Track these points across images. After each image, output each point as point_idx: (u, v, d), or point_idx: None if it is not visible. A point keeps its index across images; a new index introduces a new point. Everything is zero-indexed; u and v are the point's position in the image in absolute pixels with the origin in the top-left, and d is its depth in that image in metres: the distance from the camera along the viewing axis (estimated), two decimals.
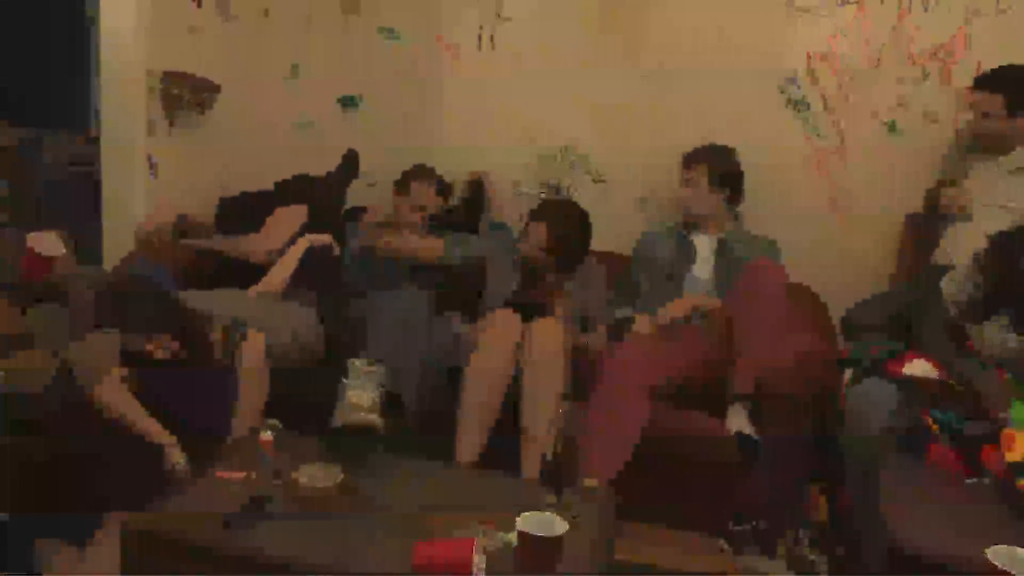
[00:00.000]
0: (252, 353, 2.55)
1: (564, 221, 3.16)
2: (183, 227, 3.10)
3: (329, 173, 3.44)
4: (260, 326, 2.62)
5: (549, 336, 2.77)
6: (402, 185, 3.39)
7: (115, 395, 2.34)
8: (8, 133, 4.21)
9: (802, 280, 3.12)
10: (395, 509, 2.00)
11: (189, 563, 1.88)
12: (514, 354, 2.75)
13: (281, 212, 3.16)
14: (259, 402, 2.54)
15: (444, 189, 3.44)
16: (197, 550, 1.88)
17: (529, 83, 3.57)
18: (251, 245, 3.08)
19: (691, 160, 3.15)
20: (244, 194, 3.33)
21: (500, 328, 2.79)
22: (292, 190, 3.28)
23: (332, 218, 3.31)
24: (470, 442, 2.68)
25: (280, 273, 2.95)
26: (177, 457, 2.34)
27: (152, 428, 2.35)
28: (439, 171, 3.42)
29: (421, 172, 3.39)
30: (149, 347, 2.41)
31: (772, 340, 2.71)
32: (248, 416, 2.48)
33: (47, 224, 3.05)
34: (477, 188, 3.57)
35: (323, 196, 3.32)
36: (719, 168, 3.13)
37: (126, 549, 1.91)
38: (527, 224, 3.20)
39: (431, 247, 3.29)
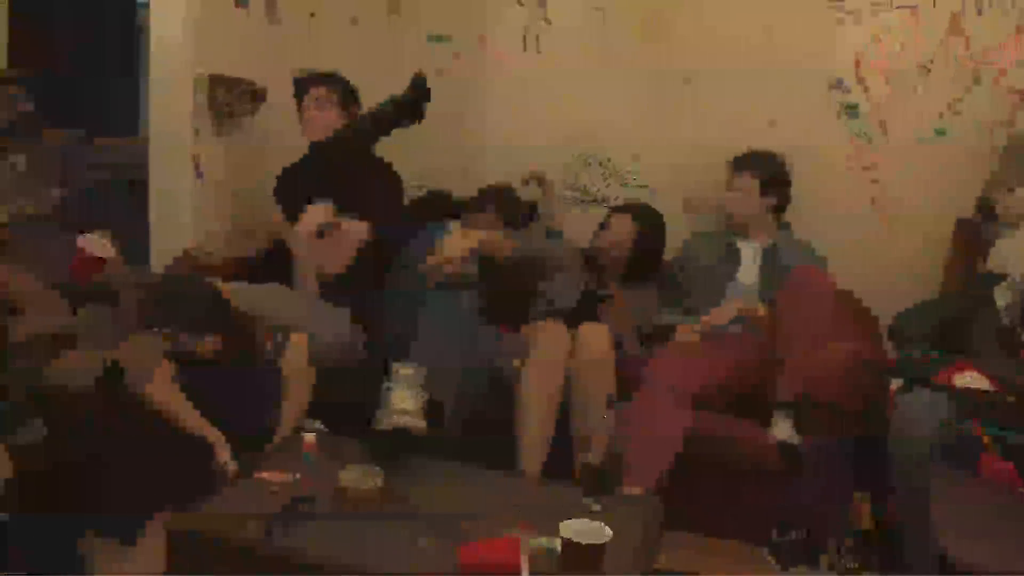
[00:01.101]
0: (296, 354, 2.56)
1: (650, 219, 3.19)
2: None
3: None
4: (303, 325, 2.63)
5: (598, 340, 2.76)
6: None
7: (166, 393, 2.36)
8: (57, 135, 4.28)
9: (848, 286, 3.08)
10: (436, 513, 2.00)
11: (232, 563, 1.90)
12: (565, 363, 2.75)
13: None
14: (303, 403, 2.55)
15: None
16: (240, 550, 1.89)
17: (573, 86, 3.57)
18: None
19: (739, 166, 3.13)
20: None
21: (552, 339, 2.77)
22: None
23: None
24: (534, 454, 2.68)
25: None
26: (225, 455, 2.35)
27: (202, 426, 2.37)
28: (481, 174, 3.41)
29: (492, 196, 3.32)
30: (198, 347, 2.43)
31: (817, 347, 2.68)
32: (292, 417, 2.49)
33: (95, 226, 3.10)
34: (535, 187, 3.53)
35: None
36: (767, 174, 3.10)
37: (172, 548, 1.94)
38: (608, 218, 3.21)
39: (500, 243, 3.07)
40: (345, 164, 3.03)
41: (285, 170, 3.18)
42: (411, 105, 2.99)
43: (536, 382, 2.70)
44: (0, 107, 4.17)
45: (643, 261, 3.20)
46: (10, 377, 2.38)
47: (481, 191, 3.33)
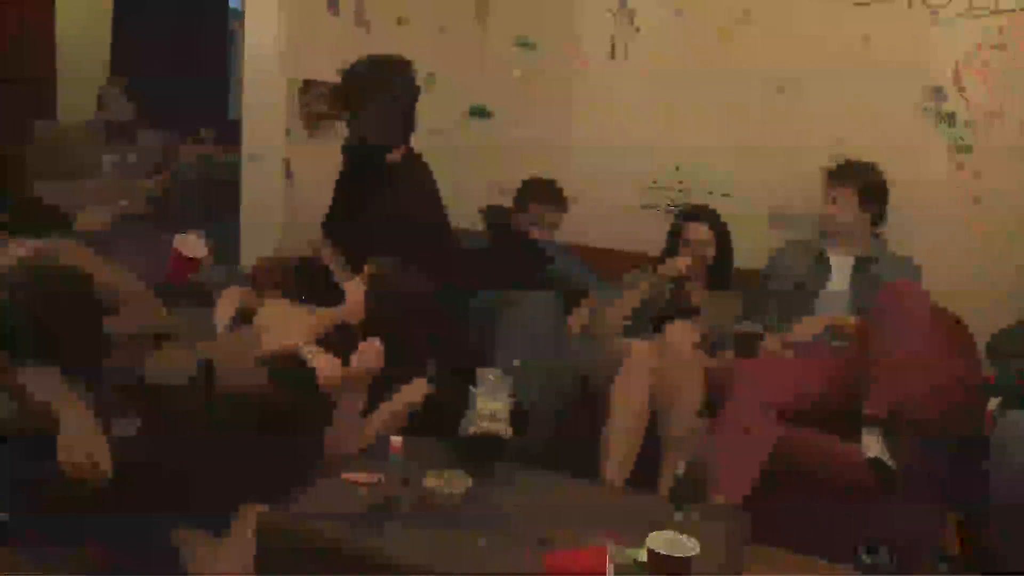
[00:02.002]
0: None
1: (720, 223, 3.18)
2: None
3: None
4: None
5: (683, 338, 2.75)
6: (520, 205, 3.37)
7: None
8: (154, 137, 4.42)
9: (944, 301, 2.98)
10: (521, 519, 2.00)
11: (318, 562, 1.92)
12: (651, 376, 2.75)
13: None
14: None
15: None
16: (325, 550, 1.92)
17: (660, 94, 3.54)
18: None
19: (836, 176, 3.06)
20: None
21: (640, 359, 2.76)
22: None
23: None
24: (619, 466, 2.68)
25: None
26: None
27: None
28: (567, 184, 3.40)
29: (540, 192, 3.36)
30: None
31: (910, 364, 2.61)
32: (378, 420, 2.51)
33: (189, 226, 3.19)
34: None
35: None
36: (865, 185, 3.03)
37: (260, 545, 1.97)
38: (680, 225, 3.19)
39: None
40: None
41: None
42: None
43: (623, 401, 2.71)
44: (104, 112, 4.34)
45: (722, 267, 3.18)
46: (109, 373, 2.45)
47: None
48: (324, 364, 2.44)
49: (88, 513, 2.26)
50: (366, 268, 2.69)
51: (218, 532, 2.25)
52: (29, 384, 2.21)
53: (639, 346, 2.79)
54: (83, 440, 2.20)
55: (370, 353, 2.44)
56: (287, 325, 2.59)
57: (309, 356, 2.47)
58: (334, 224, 3.02)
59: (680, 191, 3.56)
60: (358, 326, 2.60)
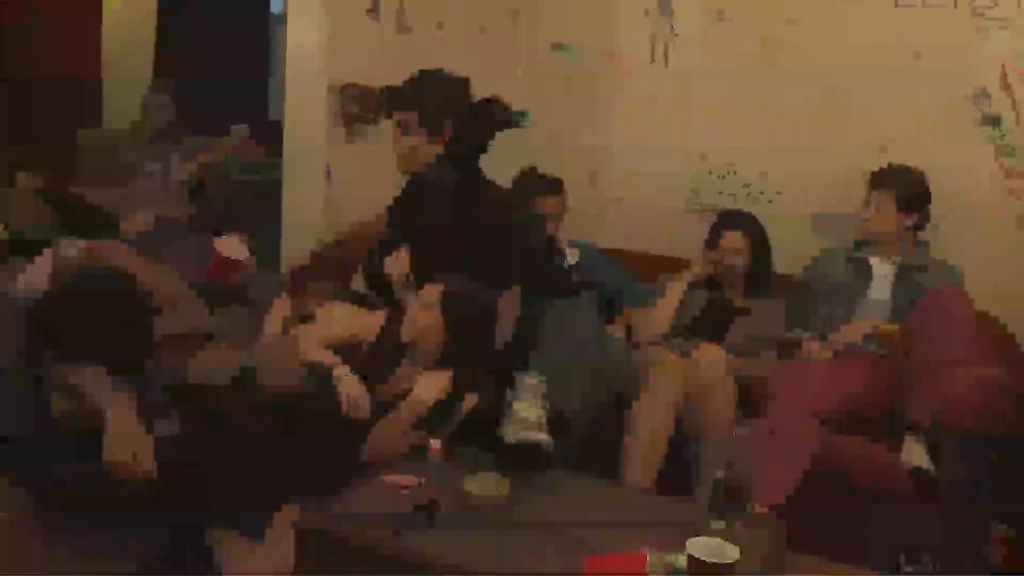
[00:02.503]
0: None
1: (758, 229, 3.15)
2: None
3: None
4: None
5: (714, 362, 2.73)
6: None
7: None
8: (195, 141, 4.48)
9: (988, 308, 2.94)
10: (561, 524, 2.01)
11: (357, 564, 1.94)
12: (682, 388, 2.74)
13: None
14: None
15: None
16: (365, 551, 1.94)
17: (700, 99, 3.51)
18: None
19: (878, 182, 3.03)
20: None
21: (668, 377, 2.76)
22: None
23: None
24: (641, 470, 2.67)
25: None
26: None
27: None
28: (608, 187, 3.39)
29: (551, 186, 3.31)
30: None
31: (953, 370, 2.57)
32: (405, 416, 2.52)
33: (230, 228, 3.23)
34: None
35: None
36: (907, 191, 2.99)
37: (300, 547, 1.99)
38: (716, 233, 3.17)
39: None
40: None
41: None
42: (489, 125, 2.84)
43: (647, 415, 2.71)
44: (151, 115, 4.40)
45: (759, 274, 3.16)
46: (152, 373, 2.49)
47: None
48: (353, 393, 2.44)
49: (129, 513, 2.30)
50: (429, 289, 2.56)
51: (255, 535, 2.28)
52: (80, 383, 2.25)
53: (670, 362, 2.79)
54: (128, 440, 2.23)
55: (435, 388, 2.42)
56: (330, 328, 2.61)
57: (337, 381, 2.48)
58: (404, 216, 2.88)
59: (721, 193, 3.53)
60: (405, 345, 2.56)
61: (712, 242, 3.19)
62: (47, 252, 3.06)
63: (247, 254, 3.05)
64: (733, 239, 3.13)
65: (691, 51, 3.51)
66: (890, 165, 3.06)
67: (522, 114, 3.70)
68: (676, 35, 3.52)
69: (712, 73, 3.48)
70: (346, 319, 2.65)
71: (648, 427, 2.71)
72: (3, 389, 2.46)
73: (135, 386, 2.36)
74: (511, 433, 2.20)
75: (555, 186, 3.30)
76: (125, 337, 2.42)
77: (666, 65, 3.53)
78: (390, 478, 2.16)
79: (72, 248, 2.95)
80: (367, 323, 2.65)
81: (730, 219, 3.21)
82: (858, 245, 3.12)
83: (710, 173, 3.54)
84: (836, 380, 2.69)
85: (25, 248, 3.21)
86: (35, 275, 2.83)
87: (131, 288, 2.45)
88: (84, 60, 5.59)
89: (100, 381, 2.28)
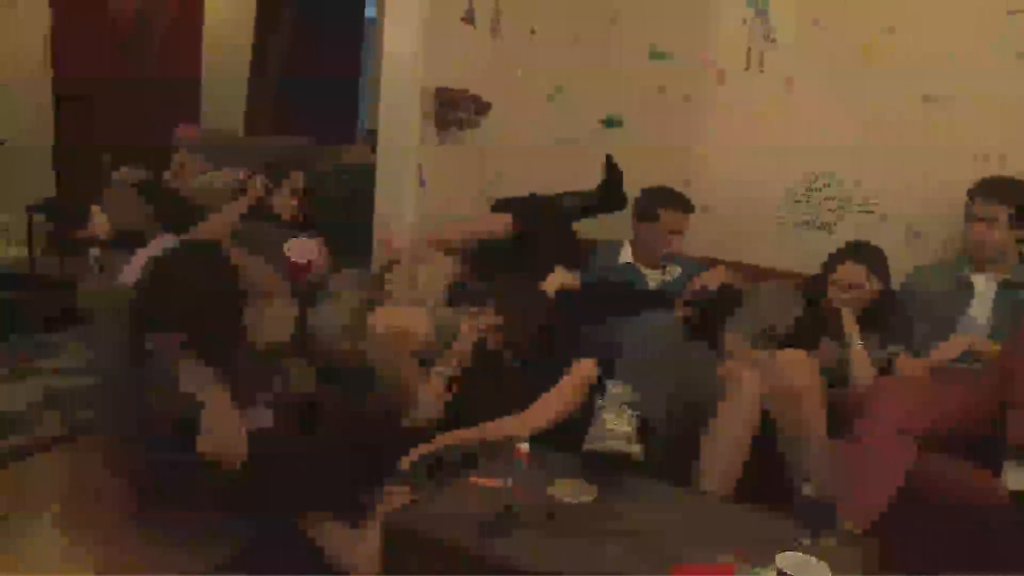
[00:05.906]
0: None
1: (879, 260, 3.00)
2: None
3: (565, 194, 3.38)
4: None
5: (798, 371, 2.66)
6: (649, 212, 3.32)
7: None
8: (293, 143, 4.58)
9: None
10: (646, 532, 1.99)
11: (442, 563, 1.95)
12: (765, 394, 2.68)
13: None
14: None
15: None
16: (450, 552, 1.94)
17: (797, 107, 3.45)
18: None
19: (985, 194, 2.92)
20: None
21: (748, 389, 2.68)
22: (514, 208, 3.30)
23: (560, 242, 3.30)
24: (718, 477, 2.63)
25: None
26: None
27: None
28: (700, 194, 3.36)
29: (671, 198, 3.33)
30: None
31: None
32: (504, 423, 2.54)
33: (317, 230, 3.30)
34: None
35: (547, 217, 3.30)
36: (1018, 203, 2.88)
37: (386, 545, 2.02)
38: (835, 263, 3.02)
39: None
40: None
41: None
42: (609, 192, 3.28)
43: (727, 422, 2.65)
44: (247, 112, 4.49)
45: (879, 313, 2.99)
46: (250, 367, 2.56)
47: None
48: (432, 396, 2.55)
49: (225, 502, 2.37)
50: (486, 312, 2.71)
51: (354, 523, 2.32)
52: (180, 373, 2.33)
53: (747, 375, 2.72)
54: (223, 430, 2.30)
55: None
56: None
57: (425, 382, 2.58)
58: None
59: (812, 202, 3.47)
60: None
61: (831, 266, 3.04)
62: (150, 244, 3.18)
63: (316, 255, 3.10)
64: (852, 271, 2.97)
65: (787, 59, 3.45)
66: (1001, 176, 2.96)
67: (615, 119, 3.71)
68: (772, 41, 3.46)
69: (808, 80, 3.42)
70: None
71: (727, 434, 2.65)
72: (108, 387, 2.57)
73: (229, 378, 2.44)
74: (598, 442, 2.18)
75: (684, 203, 3.30)
76: (222, 326, 2.50)
77: (761, 71, 3.49)
78: (476, 479, 2.17)
79: (173, 241, 3.05)
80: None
81: (851, 249, 3.04)
82: (960, 261, 3.03)
83: (813, 182, 3.49)
84: (932, 398, 2.60)
85: (126, 242, 3.34)
86: (138, 267, 2.94)
87: (232, 280, 2.52)
88: (186, 61, 5.79)
89: (198, 373, 2.36)
